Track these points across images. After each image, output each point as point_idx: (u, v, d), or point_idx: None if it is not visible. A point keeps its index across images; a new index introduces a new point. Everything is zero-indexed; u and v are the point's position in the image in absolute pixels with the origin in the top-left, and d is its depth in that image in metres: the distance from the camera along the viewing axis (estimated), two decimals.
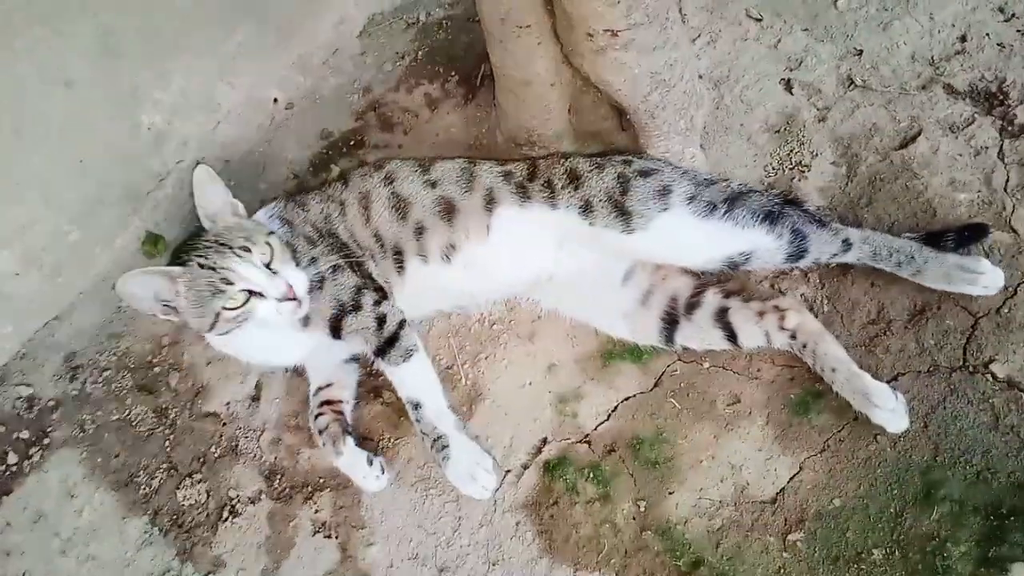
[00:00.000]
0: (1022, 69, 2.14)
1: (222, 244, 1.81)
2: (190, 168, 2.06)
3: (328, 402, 2.05)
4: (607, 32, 1.82)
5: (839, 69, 2.29)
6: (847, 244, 1.91)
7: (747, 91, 2.31)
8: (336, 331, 1.94)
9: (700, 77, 2.25)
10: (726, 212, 1.90)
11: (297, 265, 1.87)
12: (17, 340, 2.38)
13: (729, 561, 1.77)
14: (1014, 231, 1.95)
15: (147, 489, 2.13)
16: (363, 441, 2.06)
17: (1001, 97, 2.12)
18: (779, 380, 1.93)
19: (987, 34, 2.23)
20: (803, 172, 2.16)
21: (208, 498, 2.09)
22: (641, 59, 1.89)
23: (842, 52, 2.31)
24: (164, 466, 2.15)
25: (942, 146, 2.09)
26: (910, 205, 2.04)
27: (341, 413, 2.04)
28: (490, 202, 2.01)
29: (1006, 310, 1.86)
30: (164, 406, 2.23)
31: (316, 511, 2.03)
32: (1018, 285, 1.88)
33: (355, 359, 2.13)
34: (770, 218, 1.90)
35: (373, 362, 1.98)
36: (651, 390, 2.00)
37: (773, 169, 2.18)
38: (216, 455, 2.15)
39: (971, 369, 1.83)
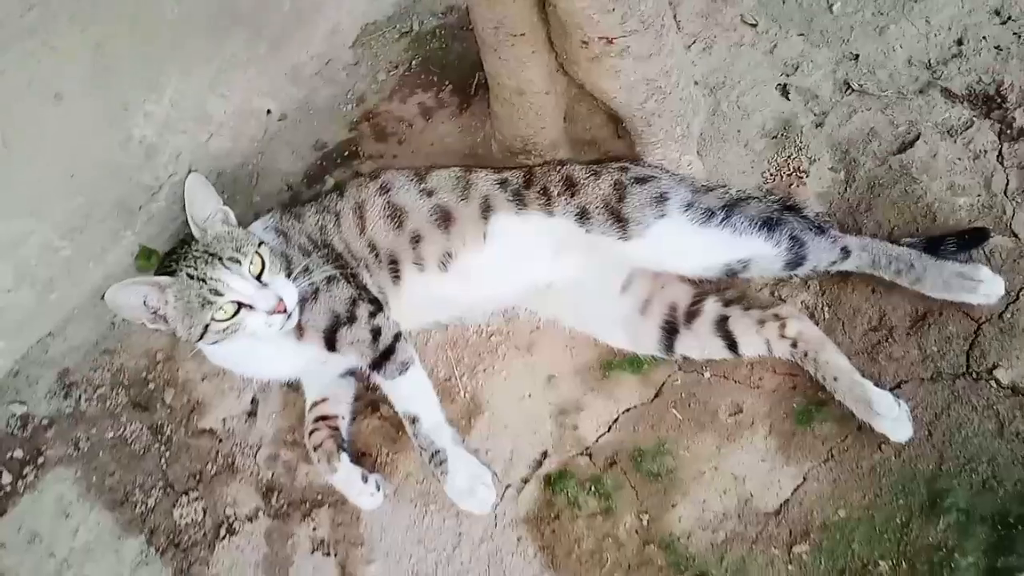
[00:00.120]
0: (1020, 72, 2.13)
1: (211, 254, 1.78)
2: (183, 181, 2.03)
3: (323, 417, 2.03)
4: (602, 39, 1.81)
5: (836, 74, 2.28)
6: (846, 252, 1.90)
7: (743, 97, 2.30)
8: (331, 343, 1.92)
9: (696, 84, 2.24)
10: (724, 219, 1.89)
11: (290, 276, 1.85)
12: (10, 357, 2.36)
13: (734, 575, 1.74)
14: (1015, 235, 1.93)
15: (143, 508, 2.10)
16: (361, 456, 2.04)
17: (999, 100, 2.11)
18: (781, 389, 1.91)
19: (984, 37, 2.21)
20: (801, 178, 2.14)
21: (205, 516, 2.07)
22: (637, 66, 1.88)
23: (838, 57, 2.30)
24: (160, 484, 2.12)
25: (941, 150, 2.08)
26: (909, 210, 2.02)
27: (337, 429, 2.02)
28: (486, 210, 1.99)
29: (1009, 315, 1.84)
30: (159, 423, 2.21)
31: (314, 528, 2.00)
32: (1020, 290, 1.86)
33: (351, 374, 2.10)
34: (768, 225, 1.88)
35: (369, 375, 1.96)
36: (652, 401, 1.97)
37: (771, 175, 2.17)
38: (212, 472, 2.12)
39: (975, 375, 1.81)
